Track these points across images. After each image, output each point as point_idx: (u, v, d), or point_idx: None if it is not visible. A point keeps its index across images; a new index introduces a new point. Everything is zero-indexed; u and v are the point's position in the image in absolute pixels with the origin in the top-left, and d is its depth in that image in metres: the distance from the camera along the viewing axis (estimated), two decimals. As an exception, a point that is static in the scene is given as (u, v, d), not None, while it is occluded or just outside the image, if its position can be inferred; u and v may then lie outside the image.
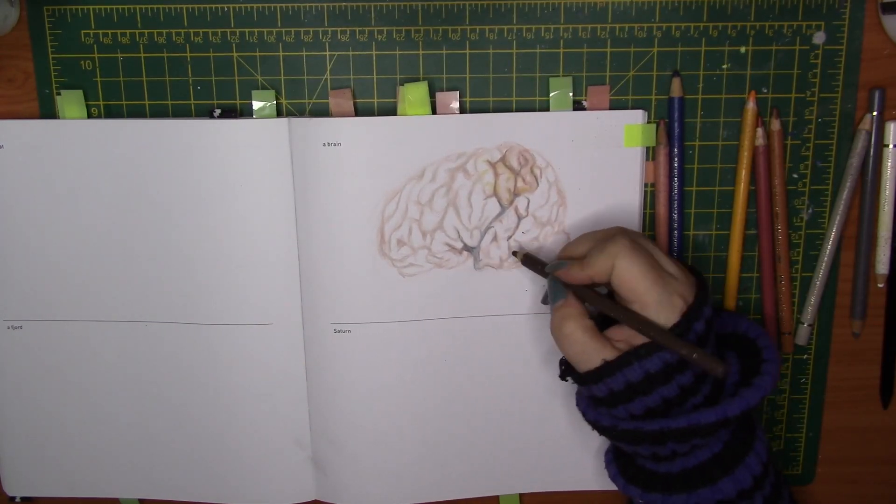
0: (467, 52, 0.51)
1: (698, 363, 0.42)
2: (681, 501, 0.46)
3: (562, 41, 0.51)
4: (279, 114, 0.51)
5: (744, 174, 0.52)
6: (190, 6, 0.50)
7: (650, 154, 0.52)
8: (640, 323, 0.44)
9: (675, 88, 0.51)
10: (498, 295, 0.52)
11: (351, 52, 0.51)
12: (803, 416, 0.57)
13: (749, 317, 0.53)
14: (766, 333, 0.49)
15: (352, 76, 0.51)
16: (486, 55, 0.51)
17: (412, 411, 0.54)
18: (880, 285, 0.54)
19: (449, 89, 0.51)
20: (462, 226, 0.51)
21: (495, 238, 0.51)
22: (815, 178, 0.53)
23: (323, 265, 0.51)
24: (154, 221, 0.51)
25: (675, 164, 0.51)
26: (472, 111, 0.51)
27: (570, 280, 0.46)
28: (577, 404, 0.49)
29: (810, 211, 0.53)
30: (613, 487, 0.56)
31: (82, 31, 0.51)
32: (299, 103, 0.52)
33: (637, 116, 0.50)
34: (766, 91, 0.51)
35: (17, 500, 0.58)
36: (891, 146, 0.51)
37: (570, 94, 0.51)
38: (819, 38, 0.51)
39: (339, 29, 0.51)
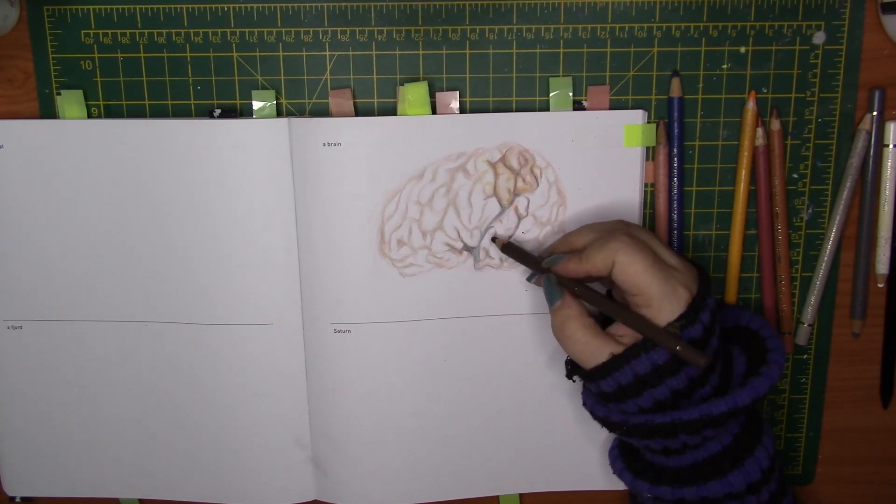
0: (467, 52, 0.51)
1: (681, 355, 0.42)
2: (690, 494, 0.46)
3: (562, 41, 0.51)
4: (279, 114, 0.51)
5: (744, 174, 0.52)
6: (190, 6, 0.50)
7: (650, 154, 0.52)
8: (630, 317, 0.44)
9: (675, 88, 0.51)
10: (498, 295, 0.52)
11: (351, 52, 0.51)
12: (803, 416, 0.57)
13: (751, 310, 0.53)
14: (769, 324, 0.49)
15: (352, 76, 0.51)
16: (486, 55, 0.51)
17: (412, 411, 0.54)
18: (880, 285, 0.54)
19: (449, 89, 0.51)
20: (462, 226, 0.51)
21: (494, 238, 0.51)
22: (815, 178, 0.53)
23: (323, 265, 0.51)
24: (154, 221, 0.51)
25: (675, 164, 0.51)
26: (472, 111, 0.51)
27: (567, 274, 0.46)
28: (584, 403, 0.49)
29: (810, 211, 0.53)
30: (613, 487, 0.56)
31: (82, 31, 0.51)
32: (299, 103, 0.52)
33: (637, 116, 0.50)
34: (766, 91, 0.51)
35: (17, 500, 0.58)
36: (891, 146, 0.51)
37: (570, 94, 0.51)
38: (819, 38, 0.51)
39: (339, 29, 0.51)
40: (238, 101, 0.51)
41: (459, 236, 0.51)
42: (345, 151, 0.49)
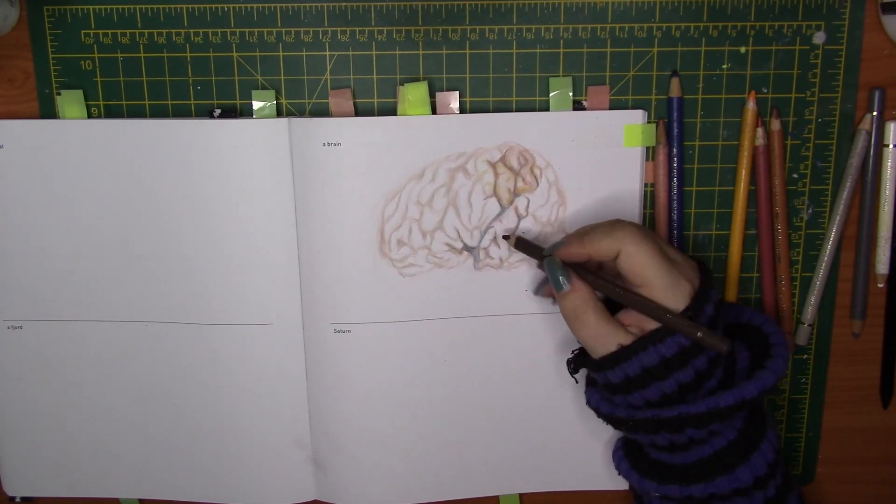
0: (467, 52, 0.51)
1: (703, 342, 0.42)
2: (698, 491, 0.46)
3: (562, 41, 0.51)
4: (279, 114, 0.51)
5: (744, 174, 0.52)
6: (190, 6, 0.50)
7: (650, 154, 0.52)
8: (647, 305, 0.44)
9: (674, 88, 0.51)
10: (498, 295, 0.52)
11: (351, 52, 0.51)
12: (803, 416, 0.57)
13: (751, 306, 0.53)
14: (771, 319, 0.49)
15: (352, 76, 0.51)
16: (486, 55, 0.51)
17: (412, 411, 0.54)
18: (880, 285, 0.54)
19: (449, 89, 0.51)
20: (462, 226, 0.51)
21: (495, 238, 0.51)
22: (815, 178, 0.53)
23: (323, 265, 0.51)
24: (154, 221, 0.51)
25: (675, 164, 0.51)
26: (472, 111, 0.51)
27: (570, 258, 0.46)
28: (588, 402, 0.49)
29: (810, 211, 0.53)
30: (613, 487, 0.56)
31: (82, 31, 0.51)
32: (299, 103, 0.52)
33: (637, 116, 0.50)
34: (766, 91, 0.51)
35: (17, 500, 0.58)
36: (891, 146, 0.51)
37: (570, 94, 0.51)
38: (819, 38, 0.51)
39: (339, 29, 0.51)
40: (238, 101, 0.51)
41: (459, 236, 0.51)
42: (345, 151, 0.49)
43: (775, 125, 0.51)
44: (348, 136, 0.49)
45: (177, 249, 0.51)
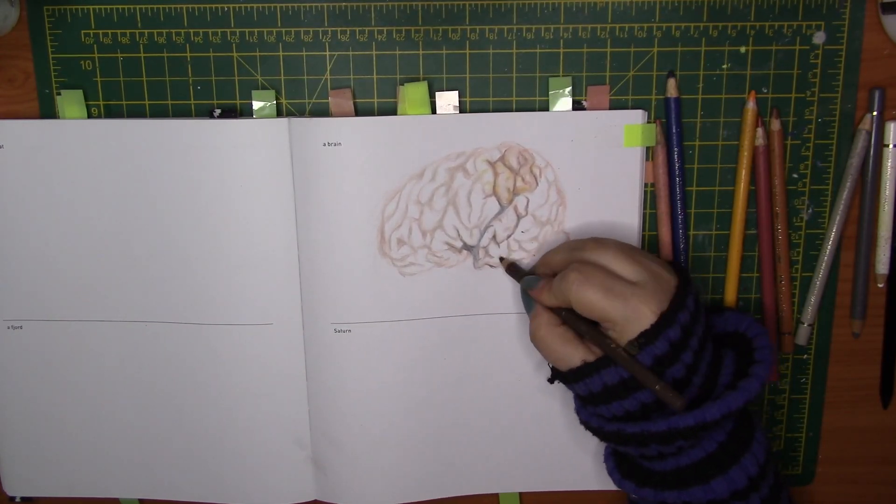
0: (467, 52, 0.51)
1: (659, 395, 0.43)
2: (672, 498, 0.46)
3: (562, 41, 0.51)
4: (279, 114, 0.51)
5: (744, 174, 0.52)
6: (190, 6, 0.50)
7: (650, 154, 0.52)
8: (608, 347, 0.44)
9: (671, 89, 0.51)
10: (497, 293, 0.52)
11: (351, 52, 0.51)
12: (803, 416, 0.57)
13: (752, 316, 0.53)
14: (766, 333, 0.49)
15: (352, 76, 0.51)
16: (486, 55, 0.51)
17: (412, 410, 0.54)
18: (880, 285, 0.54)
19: (449, 89, 0.51)
20: (462, 225, 0.51)
21: (495, 237, 0.51)
22: (815, 178, 0.53)
23: (323, 265, 0.51)
24: (154, 221, 0.51)
25: (676, 164, 0.51)
26: (472, 111, 0.51)
27: (541, 302, 0.48)
28: (574, 402, 0.50)
29: (810, 211, 0.53)
30: (613, 487, 0.56)
31: (82, 31, 0.51)
32: (299, 103, 0.52)
33: (637, 116, 0.50)
34: (766, 91, 0.51)
35: (17, 500, 0.58)
36: (891, 146, 0.51)
37: (570, 94, 0.51)
38: (819, 38, 0.51)
39: (339, 29, 0.51)
40: (238, 101, 0.51)
41: (459, 235, 0.51)
42: (345, 151, 0.49)
43: (775, 125, 0.51)
44: (348, 136, 0.49)
45: (177, 249, 0.51)
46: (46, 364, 0.54)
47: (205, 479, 0.56)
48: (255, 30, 0.51)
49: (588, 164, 0.51)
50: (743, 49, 0.51)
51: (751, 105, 0.51)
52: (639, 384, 0.44)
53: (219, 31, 0.51)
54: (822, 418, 0.57)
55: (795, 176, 0.53)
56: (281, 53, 0.51)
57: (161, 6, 0.50)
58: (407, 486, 0.55)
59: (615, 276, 0.45)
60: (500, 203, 0.51)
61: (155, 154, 0.50)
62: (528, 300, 0.49)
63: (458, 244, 0.51)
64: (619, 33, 0.51)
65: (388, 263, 0.51)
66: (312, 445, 0.55)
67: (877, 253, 0.53)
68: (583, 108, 0.51)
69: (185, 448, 0.55)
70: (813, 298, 0.54)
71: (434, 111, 0.51)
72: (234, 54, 0.51)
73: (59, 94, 0.51)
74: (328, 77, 0.51)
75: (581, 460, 0.56)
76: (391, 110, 0.51)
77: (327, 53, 0.51)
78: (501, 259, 0.52)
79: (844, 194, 0.52)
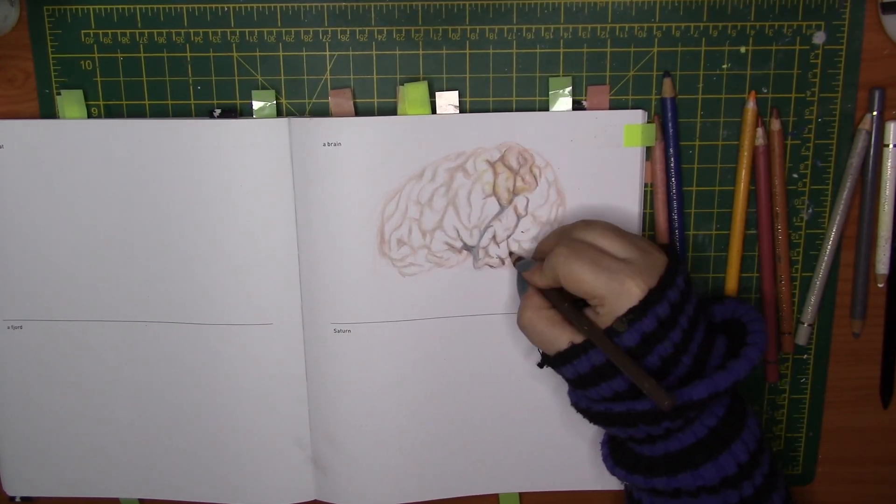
0: (467, 52, 0.51)
1: (648, 393, 0.42)
2: (661, 484, 0.46)
3: (562, 41, 0.51)
4: (279, 114, 0.51)
5: (744, 174, 0.52)
6: (190, 6, 0.50)
7: (650, 154, 0.52)
8: (596, 334, 0.44)
9: (667, 89, 0.51)
10: (497, 294, 0.52)
11: (351, 52, 0.51)
12: (803, 416, 0.57)
13: (749, 305, 0.52)
14: (760, 319, 0.48)
15: (352, 76, 0.51)
16: (486, 55, 0.51)
17: (412, 411, 0.54)
18: (880, 285, 0.54)
19: (449, 89, 0.51)
20: (462, 225, 0.51)
21: (494, 237, 0.51)
22: (815, 178, 0.53)
23: (323, 265, 0.51)
24: (154, 221, 0.51)
25: (672, 165, 0.51)
26: (472, 111, 0.51)
27: (533, 283, 0.48)
28: (568, 392, 0.50)
29: (810, 211, 0.53)
30: (613, 487, 0.56)
31: (82, 31, 0.51)
32: (299, 103, 0.52)
33: (637, 116, 0.50)
34: (766, 91, 0.51)
35: (17, 500, 0.58)
36: (891, 146, 0.51)
37: (570, 93, 0.51)
38: (819, 38, 0.51)
39: (339, 29, 0.51)
40: (238, 101, 0.51)
41: (459, 235, 0.51)
42: (345, 151, 0.49)
43: (775, 125, 0.51)
44: (348, 136, 0.49)
45: (177, 249, 0.51)
46: (46, 364, 0.54)
47: (205, 479, 0.56)
48: (255, 30, 0.50)
49: (588, 164, 0.50)
50: (743, 49, 0.51)
51: (751, 105, 0.51)
52: None
53: (219, 31, 0.51)
54: (822, 418, 0.57)
55: (795, 176, 0.53)
56: (281, 53, 0.51)
57: (161, 6, 0.50)
58: (407, 486, 0.55)
59: (604, 252, 0.45)
60: (499, 203, 0.51)
61: (155, 154, 0.50)
62: (522, 284, 0.49)
63: (458, 244, 0.51)
64: (619, 33, 0.51)
65: (388, 264, 0.51)
66: (312, 445, 0.55)
67: (877, 253, 0.53)
68: (583, 108, 0.51)
69: (185, 448, 0.55)
70: (813, 298, 0.54)
71: (434, 111, 0.51)
72: (234, 54, 0.51)
73: (59, 94, 0.51)
74: (328, 77, 0.51)
75: (581, 460, 0.56)
76: (391, 110, 0.51)
77: (327, 53, 0.51)
78: (511, 254, 0.52)
79: (844, 194, 0.52)
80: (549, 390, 0.54)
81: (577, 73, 0.51)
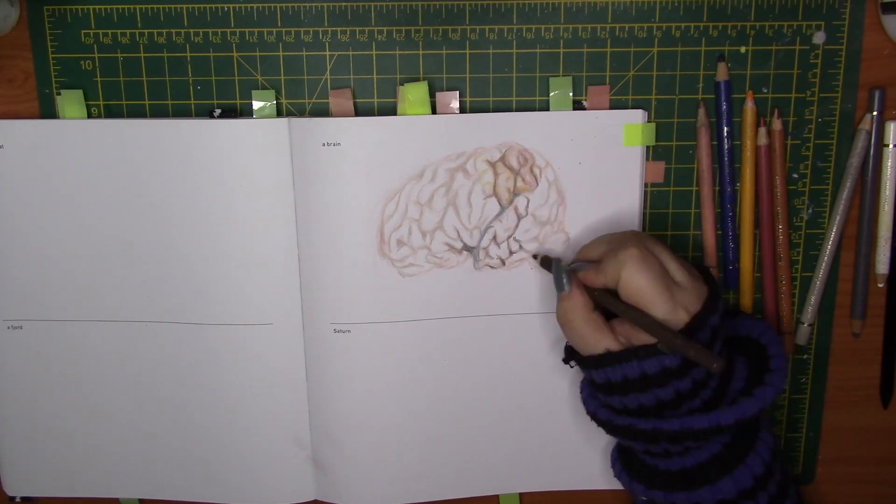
0: (467, 52, 0.51)
1: (696, 359, 0.43)
2: (681, 499, 0.46)
3: (562, 41, 0.51)
4: (279, 114, 0.51)
5: (749, 174, 0.52)
6: (190, 6, 0.50)
7: (650, 154, 0.52)
8: (645, 322, 0.44)
9: (721, 73, 0.50)
10: (497, 294, 0.52)
11: (351, 52, 0.51)
12: (803, 416, 0.57)
13: (767, 324, 0.52)
14: (780, 342, 0.49)
15: (352, 76, 0.51)
16: (486, 55, 0.51)
17: (412, 411, 0.54)
18: (880, 285, 0.54)
19: (449, 89, 0.51)
20: (462, 225, 0.51)
21: (495, 238, 0.51)
22: (815, 178, 0.53)
23: (323, 265, 0.51)
24: (154, 221, 0.51)
25: (725, 147, 0.51)
26: (472, 111, 0.51)
27: (587, 282, 0.47)
28: (581, 391, 0.50)
29: (810, 211, 0.53)
30: (612, 487, 0.56)
31: (82, 31, 0.51)
32: (299, 103, 0.52)
33: (637, 116, 0.50)
34: (766, 91, 0.51)
35: (17, 500, 0.58)
36: (891, 146, 0.51)
37: (570, 93, 0.51)
38: (819, 38, 0.51)
39: (339, 29, 0.51)
40: (238, 101, 0.51)
41: (459, 236, 0.51)
42: (345, 151, 0.49)
43: (777, 125, 0.51)
44: (348, 136, 0.49)
45: (177, 249, 0.51)
46: (46, 364, 0.54)
47: (205, 479, 0.56)
48: (255, 30, 0.50)
49: (588, 163, 0.50)
50: (743, 49, 0.51)
51: (750, 105, 0.51)
52: (657, 382, 0.44)
53: (219, 31, 0.51)
54: (822, 418, 0.57)
55: (795, 176, 0.53)
56: (281, 53, 0.51)
57: (161, 6, 0.50)
58: (407, 486, 0.55)
59: (666, 269, 0.45)
60: (500, 203, 0.51)
61: (155, 154, 0.50)
62: (561, 279, 0.47)
63: (459, 245, 0.51)
64: (619, 33, 0.51)
65: (388, 264, 0.51)
66: (312, 445, 0.55)
67: (877, 253, 0.53)
68: (583, 108, 0.51)
69: (185, 448, 0.55)
70: (813, 298, 0.54)
71: (434, 111, 0.51)
72: (234, 54, 0.51)
73: (59, 94, 0.51)
74: (328, 77, 0.51)
75: (580, 460, 0.56)
76: (391, 110, 0.51)
77: (327, 53, 0.51)
78: (535, 256, 0.51)
79: (844, 194, 0.52)
80: (550, 390, 0.54)
81: (577, 73, 0.51)
